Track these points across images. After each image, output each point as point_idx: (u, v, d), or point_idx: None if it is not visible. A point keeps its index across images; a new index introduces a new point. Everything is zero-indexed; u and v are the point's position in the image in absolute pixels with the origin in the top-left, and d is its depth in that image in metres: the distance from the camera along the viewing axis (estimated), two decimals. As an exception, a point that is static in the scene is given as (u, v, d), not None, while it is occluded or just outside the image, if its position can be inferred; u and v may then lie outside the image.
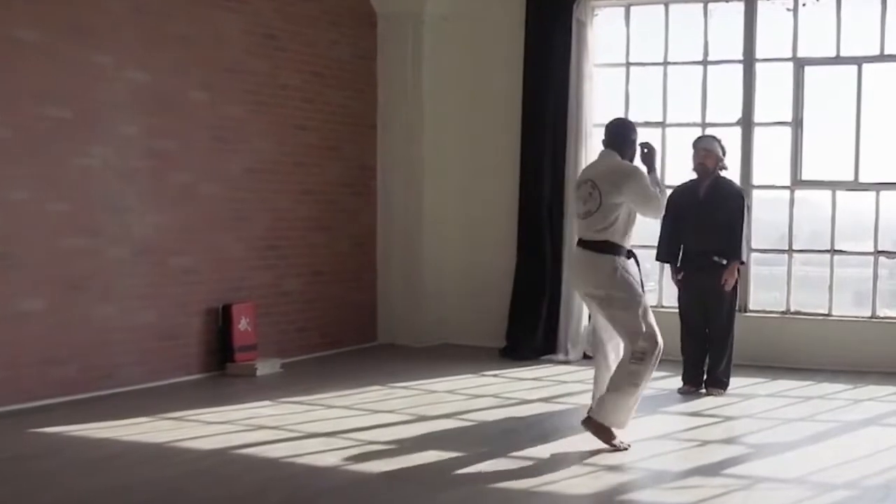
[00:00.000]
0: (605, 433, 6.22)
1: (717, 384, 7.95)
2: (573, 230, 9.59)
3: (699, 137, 8.26)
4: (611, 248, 6.19)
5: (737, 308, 8.13)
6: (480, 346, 10.16)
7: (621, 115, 9.88)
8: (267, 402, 7.57)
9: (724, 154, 7.99)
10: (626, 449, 6.18)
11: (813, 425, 7.04)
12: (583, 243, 6.33)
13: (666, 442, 6.54)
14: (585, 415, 6.38)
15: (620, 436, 6.25)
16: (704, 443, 6.54)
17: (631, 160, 6.44)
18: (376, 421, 7.02)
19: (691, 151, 8.03)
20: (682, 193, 8.04)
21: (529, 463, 5.94)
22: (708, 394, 7.90)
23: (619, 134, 6.45)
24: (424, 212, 10.35)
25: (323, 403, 7.59)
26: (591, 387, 8.23)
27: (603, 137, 6.55)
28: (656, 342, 6.13)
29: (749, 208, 8.06)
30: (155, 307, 8.20)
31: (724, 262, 7.77)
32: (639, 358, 6.09)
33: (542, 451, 6.22)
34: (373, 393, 8.04)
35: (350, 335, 10.25)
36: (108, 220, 7.84)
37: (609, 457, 6.07)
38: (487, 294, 10.30)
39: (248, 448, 6.22)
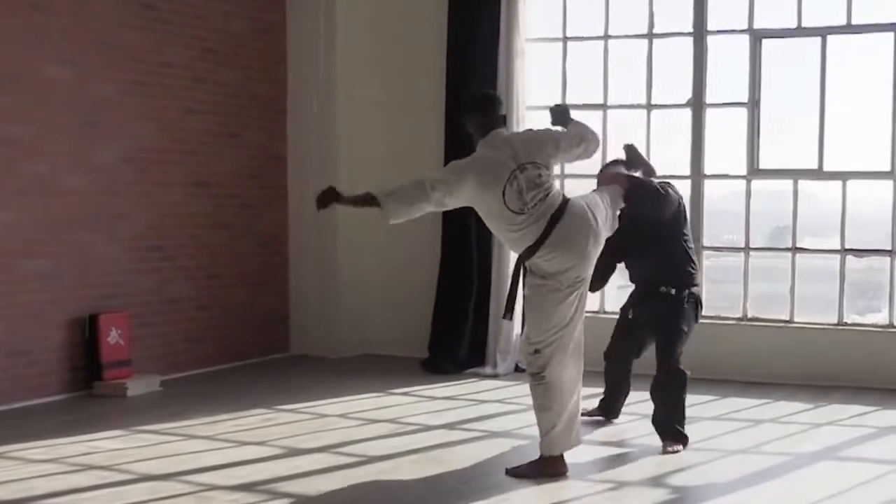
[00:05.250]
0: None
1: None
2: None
3: (607, 166, 6.58)
4: None
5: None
6: (404, 356, 9.01)
7: (558, 96, 8.80)
8: (118, 432, 6.42)
9: (640, 165, 6.41)
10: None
11: (757, 459, 5.89)
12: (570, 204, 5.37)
13: (574, 484, 5.37)
14: None
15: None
16: (619, 485, 5.38)
17: None
18: (236, 456, 5.87)
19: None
20: None
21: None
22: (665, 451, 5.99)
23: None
24: (339, 207, 9.14)
25: (184, 433, 6.43)
26: (513, 406, 7.28)
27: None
28: None
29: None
30: (0, 319, 7.04)
31: (673, 291, 6.20)
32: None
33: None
34: (252, 418, 6.89)
35: (258, 345, 9.09)
36: (-64, 218, 6.70)
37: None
38: (411, 299, 9.14)
39: (56, 498, 5.06)
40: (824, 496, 5.18)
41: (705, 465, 5.80)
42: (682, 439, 6.05)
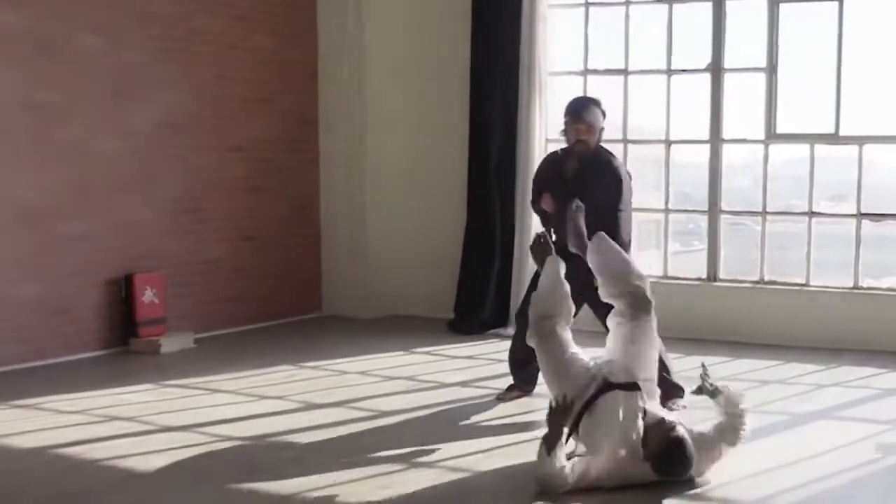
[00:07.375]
0: None
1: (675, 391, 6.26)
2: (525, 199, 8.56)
3: (578, 102, 6.22)
4: None
5: None
6: (432, 317, 9.26)
7: (580, 62, 8.93)
8: (147, 386, 6.78)
9: (604, 117, 6.16)
10: None
11: (754, 419, 6.01)
12: None
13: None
14: None
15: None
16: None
17: None
18: (254, 410, 6.19)
19: (563, 119, 6.13)
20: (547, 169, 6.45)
21: (367, 473, 5.03)
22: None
23: None
24: (368, 171, 9.44)
25: (209, 387, 6.77)
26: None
27: None
28: None
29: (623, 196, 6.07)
30: (39, 278, 7.40)
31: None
32: None
33: (392, 459, 5.30)
34: (276, 374, 7.21)
35: (291, 306, 9.40)
36: (-25, 182, 7.06)
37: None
38: (439, 262, 9.38)
39: (76, 446, 5.40)
40: (811, 454, 5.36)
41: (700, 423, 5.95)
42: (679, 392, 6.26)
